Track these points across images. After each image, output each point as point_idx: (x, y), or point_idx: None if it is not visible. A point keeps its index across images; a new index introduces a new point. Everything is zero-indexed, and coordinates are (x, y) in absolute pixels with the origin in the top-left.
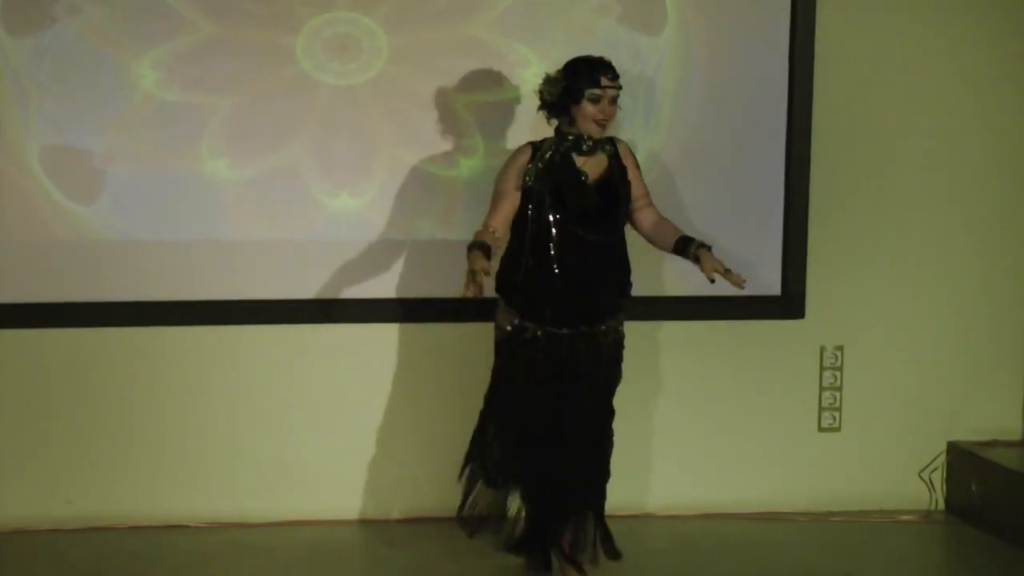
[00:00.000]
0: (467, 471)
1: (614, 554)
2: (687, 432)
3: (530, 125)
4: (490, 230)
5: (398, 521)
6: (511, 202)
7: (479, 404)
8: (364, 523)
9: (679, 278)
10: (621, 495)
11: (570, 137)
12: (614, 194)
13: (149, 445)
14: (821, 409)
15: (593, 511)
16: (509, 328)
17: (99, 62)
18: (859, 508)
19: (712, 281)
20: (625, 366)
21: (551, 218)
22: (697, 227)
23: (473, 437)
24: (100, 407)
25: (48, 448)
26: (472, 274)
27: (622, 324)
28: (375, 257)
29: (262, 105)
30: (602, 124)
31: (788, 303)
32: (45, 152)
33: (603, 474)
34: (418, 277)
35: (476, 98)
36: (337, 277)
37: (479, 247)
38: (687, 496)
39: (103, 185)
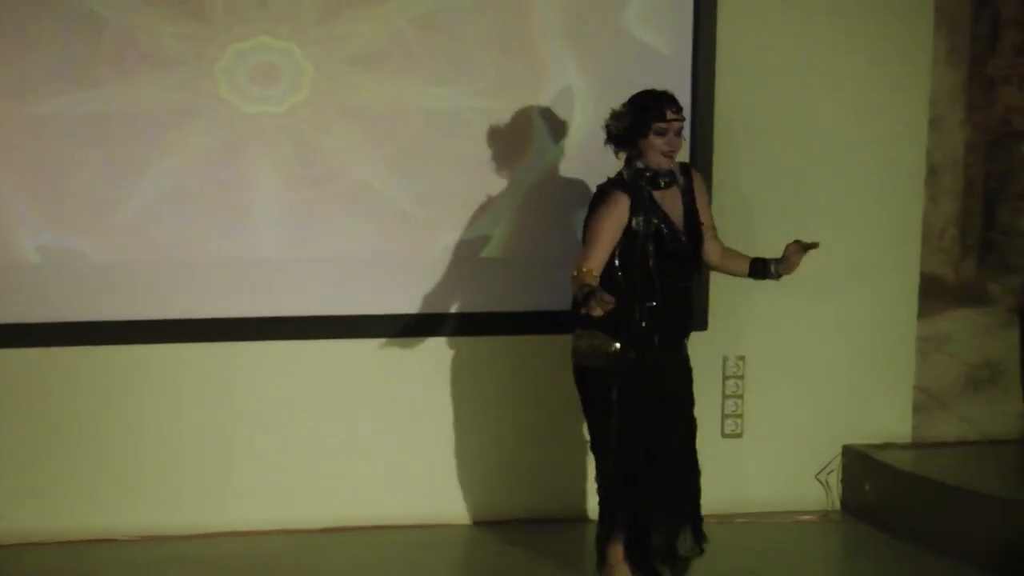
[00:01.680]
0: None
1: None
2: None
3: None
4: (595, 275)
5: (325, 530)
6: (610, 248)
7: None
8: (294, 533)
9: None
10: (542, 502)
11: (647, 174)
12: (696, 234)
13: (83, 460)
14: (724, 416)
15: (692, 523)
16: (610, 352)
17: None
18: (760, 510)
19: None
20: (542, 376)
21: (650, 258)
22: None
23: (611, 485)
24: (31, 423)
25: None
26: (597, 298)
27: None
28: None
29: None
30: (669, 156)
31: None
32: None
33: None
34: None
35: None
36: (270, 296)
37: (598, 292)
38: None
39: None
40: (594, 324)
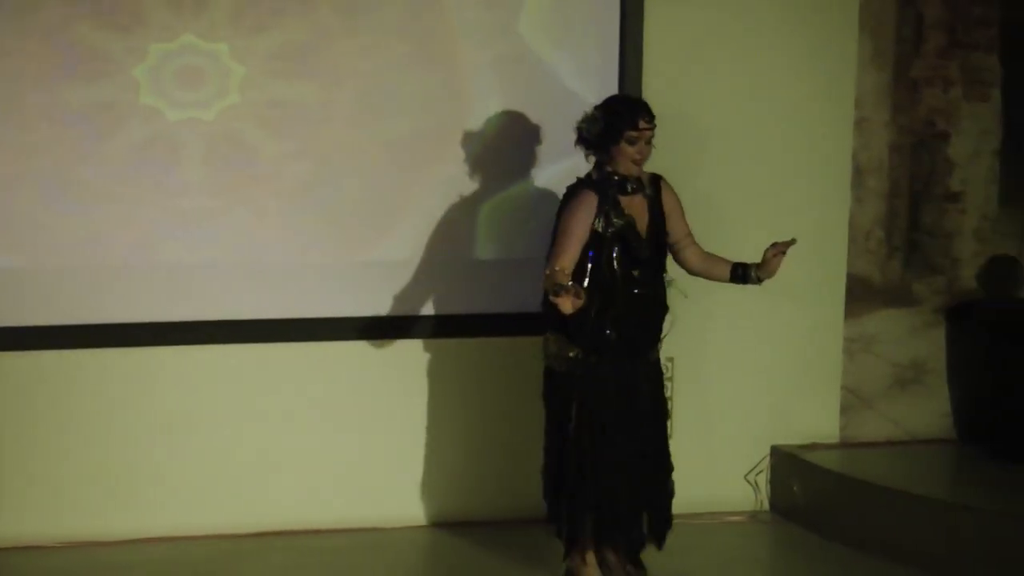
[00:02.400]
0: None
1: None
2: (530, 442)
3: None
4: (566, 273)
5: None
6: (579, 246)
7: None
8: (221, 538)
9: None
10: (505, 503)
11: (615, 178)
12: (659, 242)
13: (6, 466)
14: None
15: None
16: (571, 356)
17: None
18: (689, 511)
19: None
20: (471, 380)
21: (613, 261)
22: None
23: (553, 477)
24: None
25: None
26: (567, 293)
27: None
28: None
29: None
30: (639, 164)
31: None
32: None
33: (668, 485)
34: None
35: None
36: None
37: (563, 289)
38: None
39: None
40: (561, 328)
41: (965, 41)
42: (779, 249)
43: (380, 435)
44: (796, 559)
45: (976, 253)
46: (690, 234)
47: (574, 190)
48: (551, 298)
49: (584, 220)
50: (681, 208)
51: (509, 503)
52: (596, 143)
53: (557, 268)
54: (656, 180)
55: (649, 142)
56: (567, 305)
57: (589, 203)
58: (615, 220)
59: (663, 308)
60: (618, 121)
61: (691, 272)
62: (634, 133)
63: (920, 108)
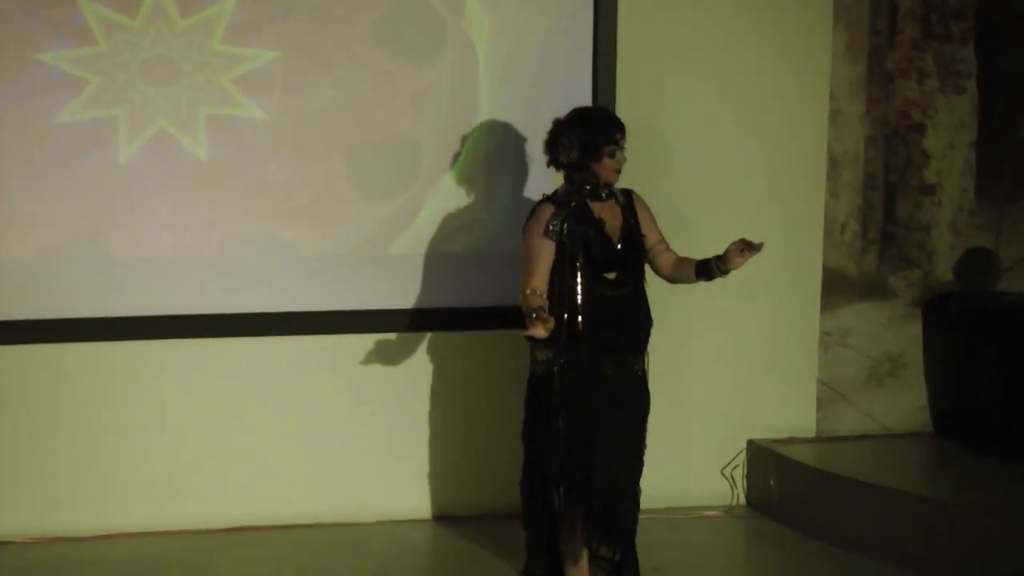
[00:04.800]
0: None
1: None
2: (507, 437)
3: None
4: (539, 293)
5: (225, 530)
6: (547, 261)
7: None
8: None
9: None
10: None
11: (587, 187)
12: (632, 244)
13: None
14: None
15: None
16: (548, 357)
17: None
18: (666, 505)
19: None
20: (450, 374)
21: (577, 266)
22: (516, 246)
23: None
24: None
25: None
26: (537, 319)
27: (646, 362)
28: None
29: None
30: (619, 172)
31: None
32: None
33: (636, 482)
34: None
35: None
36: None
37: (539, 312)
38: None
39: None
40: (542, 342)
41: (940, 33)
42: (744, 246)
43: (360, 429)
44: (772, 554)
45: (952, 246)
46: (663, 241)
47: (534, 208)
48: (524, 332)
49: (540, 233)
50: (653, 217)
51: (494, 498)
52: (576, 165)
53: (528, 291)
54: (628, 193)
55: (623, 149)
56: (540, 331)
57: (544, 215)
58: (576, 227)
59: (640, 312)
60: (595, 140)
61: (666, 278)
62: (613, 146)
63: (895, 100)
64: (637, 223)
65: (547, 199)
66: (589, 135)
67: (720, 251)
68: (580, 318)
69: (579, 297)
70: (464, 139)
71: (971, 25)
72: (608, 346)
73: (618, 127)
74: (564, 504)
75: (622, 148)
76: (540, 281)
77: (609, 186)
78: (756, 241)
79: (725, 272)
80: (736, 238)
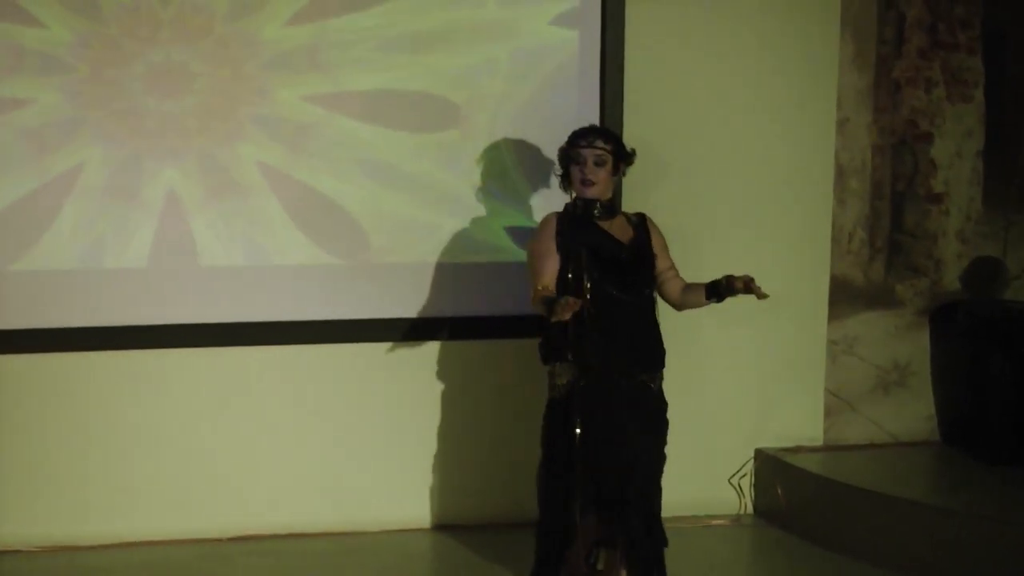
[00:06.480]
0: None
1: None
2: (513, 444)
3: None
4: (550, 288)
5: (231, 539)
6: (554, 262)
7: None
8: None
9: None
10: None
11: (579, 203)
12: (642, 253)
13: None
14: None
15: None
16: (566, 381)
17: None
18: (673, 514)
19: (745, 289)
20: (456, 383)
21: (586, 277)
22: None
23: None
24: None
25: None
26: (562, 304)
27: (660, 380)
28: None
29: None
30: (586, 184)
31: None
32: None
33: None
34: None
35: None
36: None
37: (550, 300)
38: (508, 508)
39: None
40: (549, 356)
41: (947, 42)
42: (751, 283)
43: (364, 439)
44: (780, 562)
45: (959, 254)
46: (673, 267)
47: (541, 220)
48: (551, 319)
49: (546, 240)
50: (665, 244)
51: (496, 507)
52: (565, 176)
53: (540, 288)
54: (641, 217)
55: (597, 163)
56: (566, 314)
57: (548, 224)
58: (579, 230)
59: (647, 327)
60: (564, 148)
61: (674, 305)
62: (573, 153)
63: (902, 109)
64: (649, 242)
65: (554, 213)
66: (563, 150)
67: (723, 265)
68: (587, 332)
69: (587, 297)
70: (478, 160)
71: (978, 34)
72: (620, 368)
73: (581, 136)
74: (582, 529)
75: (595, 162)
76: (549, 279)
77: (603, 205)
78: (763, 290)
79: (733, 293)
80: (742, 247)
